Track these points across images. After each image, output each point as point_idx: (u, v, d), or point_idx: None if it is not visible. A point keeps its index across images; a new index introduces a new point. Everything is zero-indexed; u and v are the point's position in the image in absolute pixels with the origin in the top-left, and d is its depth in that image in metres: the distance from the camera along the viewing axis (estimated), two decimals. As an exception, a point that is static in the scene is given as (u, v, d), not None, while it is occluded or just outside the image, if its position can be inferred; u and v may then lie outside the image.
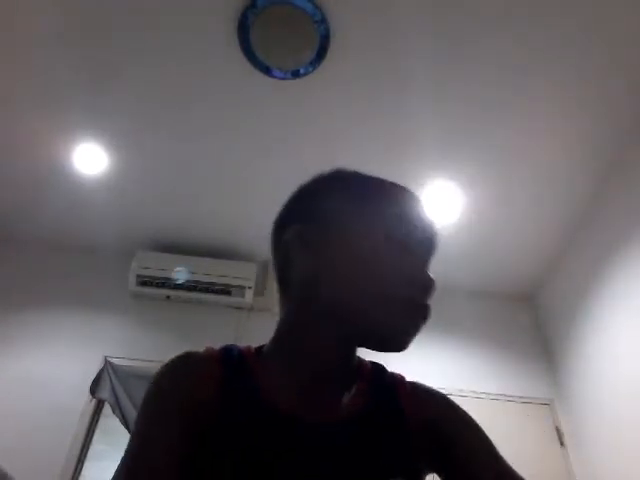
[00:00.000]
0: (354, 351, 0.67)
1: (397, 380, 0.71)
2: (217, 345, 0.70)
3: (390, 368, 0.73)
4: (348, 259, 0.63)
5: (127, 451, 0.59)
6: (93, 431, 2.61)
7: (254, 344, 0.71)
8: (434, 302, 0.64)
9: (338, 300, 0.62)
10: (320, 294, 0.64)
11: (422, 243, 0.67)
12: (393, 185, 0.72)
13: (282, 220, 0.73)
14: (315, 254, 0.64)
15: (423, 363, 3.02)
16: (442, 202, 2.79)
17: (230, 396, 0.61)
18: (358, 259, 0.63)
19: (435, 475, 0.66)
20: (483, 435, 0.67)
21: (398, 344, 0.62)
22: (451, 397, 0.71)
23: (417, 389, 0.70)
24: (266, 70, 2.26)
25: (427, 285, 0.63)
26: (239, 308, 3.08)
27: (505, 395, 2.86)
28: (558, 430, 2.80)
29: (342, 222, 0.66)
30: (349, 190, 0.71)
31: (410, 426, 0.64)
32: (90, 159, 2.69)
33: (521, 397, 2.87)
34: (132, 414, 2.53)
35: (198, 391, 0.61)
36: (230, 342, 0.70)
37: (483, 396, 2.79)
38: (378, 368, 0.72)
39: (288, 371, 0.64)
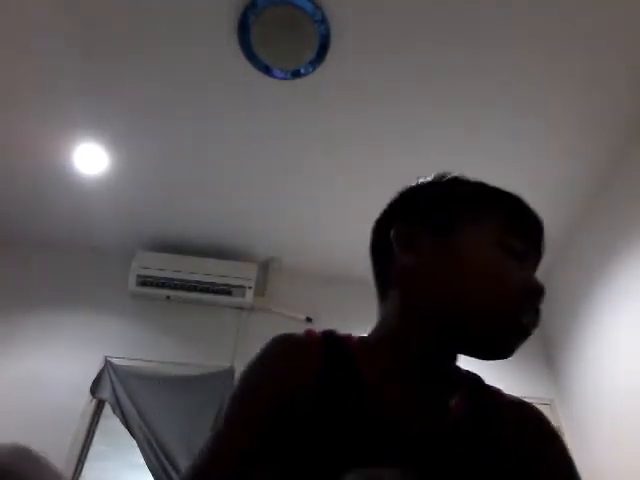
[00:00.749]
0: (456, 355, 0.66)
1: (494, 391, 0.71)
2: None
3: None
4: (455, 264, 0.63)
5: (215, 430, 0.59)
6: (93, 431, 2.61)
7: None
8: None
9: (442, 305, 0.62)
10: (422, 297, 0.63)
11: (531, 248, 0.67)
12: (500, 190, 0.71)
13: (387, 217, 0.72)
14: (420, 255, 0.64)
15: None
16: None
17: (330, 387, 0.59)
18: (466, 265, 0.62)
19: None
20: (566, 455, 0.65)
21: (504, 352, 0.61)
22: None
23: (514, 401, 0.70)
24: (266, 70, 2.26)
25: (536, 291, 0.62)
26: (239, 308, 3.08)
27: (505, 395, 2.86)
28: (558, 430, 2.80)
29: (451, 226, 0.65)
30: (459, 195, 0.69)
31: (505, 435, 0.63)
32: (90, 159, 2.69)
33: (521, 397, 2.86)
34: (132, 414, 2.53)
35: (296, 378, 0.59)
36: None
37: (483, 396, 2.79)
38: (476, 377, 0.71)
39: (391, 367, 0.63)
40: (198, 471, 0.56)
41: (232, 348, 2.85)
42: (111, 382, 2.64)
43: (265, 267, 3.25)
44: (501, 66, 2.23)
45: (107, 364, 2.73)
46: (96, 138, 2.60)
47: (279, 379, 0.60)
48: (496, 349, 0.61)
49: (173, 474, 2.37)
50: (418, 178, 0.74)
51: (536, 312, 0.62)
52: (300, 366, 0.60)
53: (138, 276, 2.96)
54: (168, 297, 3.02)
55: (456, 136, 2.50)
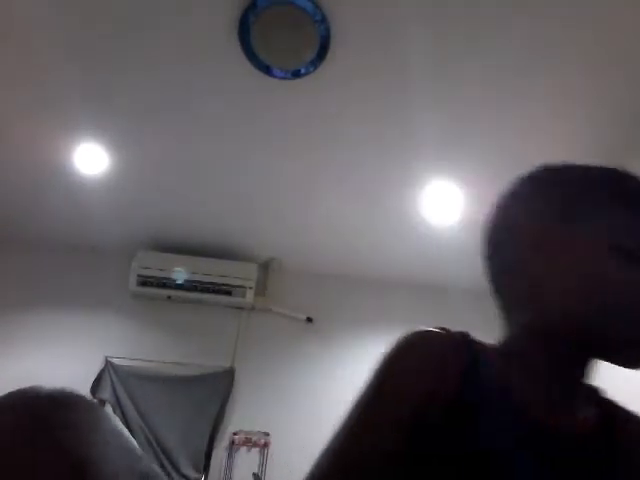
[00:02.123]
0: (587, 366, 0.62)
1: (614, 406, 0.67)
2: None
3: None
4: (569, 281, 0.57)
5: (348, 423, 0.55)
6: (94, 431, 2.61)
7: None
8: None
9: (560, 322, 0.58)
10: (538, 316, 0.60)
11: None
12: (608, 174, 0.63)
13: (490, 238, 0.68)
14: (529, 279, 0.60)
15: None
16: (442, 202, 2.79)
17: (474, 389, 0.56)
18: (580, 280, 0.57)
19: None
20: None
21: (632, 363, 0.57)
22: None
23: (632, 421, 0.65)
24: (266, 70, 2.26)
25: None
26: (240, 308, 3.08)
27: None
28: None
29: (553, 236, 0.59)
30: (556, 194, 0.63)
31: (620, 453, 0.60)
32: (91, 159, 2.69)
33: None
34: (133, 414, 2.53)
35: (442, 376, 0.56)
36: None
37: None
38: (600, 390, 0.68)
39: (526, 375, 0.60)
40: (336, 470, 0.53)
41: (232, 348, 2.86)
42: (111, 382, 2.65)
43: (265, 267, 3.25)
44: (500, 66, 2.22)
45: (107, 364, 2.73)
46: (96, 138, 2.60)
47: (427, 376, 0.57)
48: (624, 360, 0.58)
49: (173, 474, 2.38)
50: (517, 176, 0.67)
51: None
52: (446, 364, 0.57)
53: (138, 276, 2.97)
54: (169, 297, 3.02)
55: (456, 136, 2.50)
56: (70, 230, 3.12)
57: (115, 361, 2.75)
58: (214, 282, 3.00)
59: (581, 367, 0.62)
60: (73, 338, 2.86)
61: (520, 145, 2.54)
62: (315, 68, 2.24)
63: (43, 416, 0.44)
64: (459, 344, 0.60)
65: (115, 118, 2.52)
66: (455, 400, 0.55)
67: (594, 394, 0.65)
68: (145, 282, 2.97)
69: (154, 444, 2.44)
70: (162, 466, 2.39)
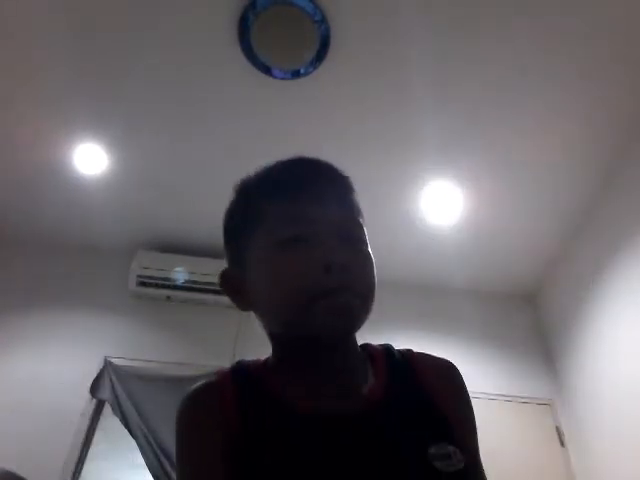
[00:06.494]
0: (348, 343, 0.66)
1: (409, 355, 0.71)
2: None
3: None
4: (258, 280, 0.66)
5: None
6: (93, 431, 2.61)
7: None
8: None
9: (263, 314, 0.70)
10: (261, 318, 0.72)
11: (314, 216, 0.63)
12: (262, 174, 0.75)
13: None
14: (245, 293, 0.71)
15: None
16: (442, 202, 2.79)
17: (248, 411, 0.61)
18: (261, 278, 0.65)
19: None
20: (472, 408, 0.72)
21: (326, 337, 0.61)
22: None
23: (427, 361, 0.71)
24: (266, 70, 2.26)
25: (325, 268, 0.59)
26: (239, 308, 3.07)
27: (505, 395, 2.86)
28: (558, 430, 2.80)
29: (242, 251, 0.68)
30: (242, 209, 0.73)
31: (429, 396, 0.64)
32: (90, 159, 2.69)
33: (521, 397, 2.86)
34: (132, 414, 2.53)
35: (221, 416, 0.60)
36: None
37: (483, 396, 2.78)
38: (387, 347, 0.71)
39: (292, 372, 0.65)
40: None
41: (232, 348, 2.85)
42: (111, 382, 2.64)
43: (265, 267, 3.25)
44: (501, 66, 2.23)
45: (107, 364, 2.73)
46: (96, 138, 2.60)
47: (209, 425, 0.61)
48: (319, 338, 0.61)
49: (173, 474, 2.37)
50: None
51: (345, 287, 0.59)
52: (220, 409, 0.61)
53: (138, 276, 2.96)
54: (168, 297, 3.02)
55: (456, 136, 2.50)
56: (70, 230, 3.11)
57: (115, 361, 2.75)
58: (214, 282, 2.99)
59: (327, 351, 0.64)
60: (72, 338, 2.85)
61: (520, 145, 2.54)
62: (315, 68, 2.24)
63: None
64: (227, 383, 0.64)
65: (115, 118, 2.52)
66: (242, 432, 0.58)
67: (379, 362, 0.68)
68: (145, 282, 2.97)
69: (154, 445, 2.44)
70: (162, 466, 2.39)
